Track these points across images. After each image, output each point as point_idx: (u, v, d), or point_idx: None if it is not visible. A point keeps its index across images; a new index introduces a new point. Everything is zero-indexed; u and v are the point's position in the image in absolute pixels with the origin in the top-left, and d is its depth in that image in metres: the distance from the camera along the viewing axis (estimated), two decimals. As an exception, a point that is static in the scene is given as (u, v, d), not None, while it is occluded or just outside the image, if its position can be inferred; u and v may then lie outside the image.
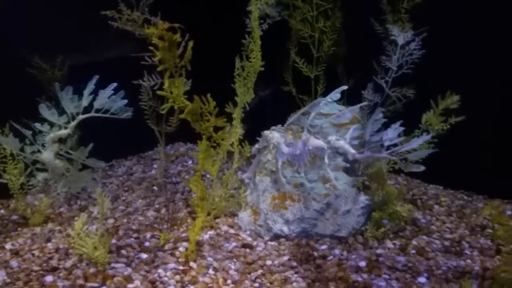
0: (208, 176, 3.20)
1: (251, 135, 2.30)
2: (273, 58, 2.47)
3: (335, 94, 1.88)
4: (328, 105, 1.90)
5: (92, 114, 2.36)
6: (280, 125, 1.89)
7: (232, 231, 2.56)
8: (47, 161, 2.50)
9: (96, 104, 2.34)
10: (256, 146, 1.93)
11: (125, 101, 2.30)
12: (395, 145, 2.00)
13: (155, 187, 3.06)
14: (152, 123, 2.42)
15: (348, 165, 1.91)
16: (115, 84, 2.29)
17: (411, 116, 2.40)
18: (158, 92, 1.98)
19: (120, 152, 3.52)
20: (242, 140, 2.66)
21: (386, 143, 2.05)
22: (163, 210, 2.75)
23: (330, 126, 1.92)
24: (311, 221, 2.45)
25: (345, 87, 1.87)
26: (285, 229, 2.47)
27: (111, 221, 2.61)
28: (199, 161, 2.16)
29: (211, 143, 2.12)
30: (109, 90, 2.30)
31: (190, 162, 3.46)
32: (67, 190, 2.82)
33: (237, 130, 2.55)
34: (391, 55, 2.42)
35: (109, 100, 2.30)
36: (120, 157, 3.53)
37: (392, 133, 2.05)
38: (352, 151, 1.84)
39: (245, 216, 2.61)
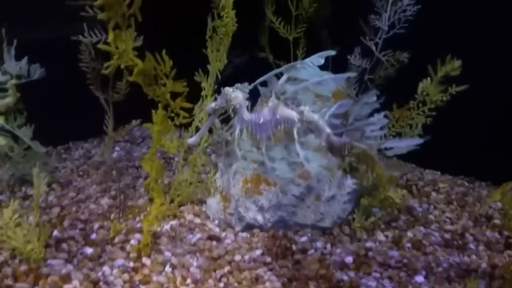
0: (176, 159, 2.83)
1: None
2: (249, 18, 2.10)
3: (318, 58, 1.52)
4: (307, 69, 1.54)
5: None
6: (247, 83, 1.52)
7: (197, 220, 2.20)
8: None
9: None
10: (212, 104, 1.55)
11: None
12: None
13: (114, 172, 2.67)
14: (96, 89, 2.03)
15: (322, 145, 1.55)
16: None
17: (405, 85, 2.05)
18: (100, 46, 1.60)
19: (79, 133, 3.12)
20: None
21: (367, 134, 1.68)
22: (121, 197, 2.38)
23: (306, 95, 1.55)
24: (289, 209, 2.10)
25: (332, 52, 1.51)
26: (259, 218, 2.11)
27: (56, 210, 2.22)
28: (153, 135, 1.78)
29: (169, 113, 1.74)
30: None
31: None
32: (11, 174, 2.44)
33: (208, 103, 2.16)
34: (381, 12, 2.06)
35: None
36: (78, 138, 3.13)
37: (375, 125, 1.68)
38: (327, 130, 1.48)
39: (213, 203, 2.24)
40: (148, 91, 1.68)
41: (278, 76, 1.55)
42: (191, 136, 1.57)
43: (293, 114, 1.51)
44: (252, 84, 1.53)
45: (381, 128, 1.63)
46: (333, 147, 1.57)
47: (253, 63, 2.61)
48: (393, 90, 1.96)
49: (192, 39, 2.18)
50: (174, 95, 1.72)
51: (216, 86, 2.17)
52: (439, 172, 2.70)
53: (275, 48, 2.52)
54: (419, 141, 1.53)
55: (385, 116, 1.64)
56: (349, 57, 2.17)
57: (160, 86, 1.68)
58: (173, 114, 1.74)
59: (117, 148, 3.00)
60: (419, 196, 2.37)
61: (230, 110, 1.53)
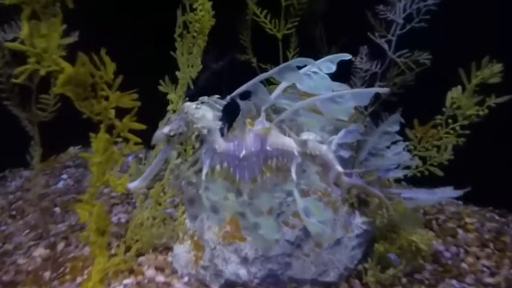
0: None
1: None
2: (228, 11, 1.62)
3: (328, 63, 1.07)
4: (313, 78, 1.07)
5: None
6: (217, 96, 1.02)
7: (161, 278, 1.67)
8: None
9: None
10: (165, 129, 1.03)
11: None
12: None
13: (57, 208, 2.12)
14: (14, 105, 1.48)
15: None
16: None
17: (429, 94, 1.59)
18: (8, 45, 1.07)
19: (19, 159, 2.54)
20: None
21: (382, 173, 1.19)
22: (61, 245, 1.83)
23: (311, 116, 1.06)
24: (282, 259, 1.60)
25: (347, 56, 1.07)
26: (243, 272, 1.61)
27: (-31, 268, 1.67)
28: (92, 170, 1.26)
29: (114, 137, 1.23)
30: None
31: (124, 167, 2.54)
32: None
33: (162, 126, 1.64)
34: (394, 1, 1.59)
35: None
36: (17, 164, 2.55)
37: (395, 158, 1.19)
38: (339, 168, 1.04)
39: (182, 251, 1.72)
40: (82, 107, 1.16)
41: (267, 83, 1.06)
42: (134, 178, 1.05)
43: (291, 144, 1.02)
44: (228, 97, 1.03)
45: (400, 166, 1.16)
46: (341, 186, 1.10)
47: (235, 68, 2.09)
48: (413, 101, 1.49)
49: (156, 38, 1.69)
50: (122, 113, 1.20)
51: (187, 99, 1.65)
52: (461, 202, 2.21)
53: (260, 49, 2.02)
54: (455, 193, 1.10)
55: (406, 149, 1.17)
56: (353, 59, 1.68)
57: (100, 99, 1.17)
58: (120, 139, 1.23)
59: (64, 176, 2.44)
60: (442, 234, 1.89)
61: (193, 138, 1.02)
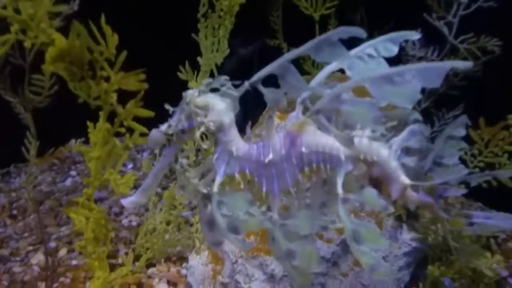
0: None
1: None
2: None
3: (388, 43, 0.83)
4: (368, 62, 0.82)
5: None
6: (225, 77, 0.78)
7: (173, 294, 1.44)
8: None
9: None
10: (163, 127, 0.79)
11: None
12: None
13: (62, 208, 1.92)
14: (5, 88, 1.25)
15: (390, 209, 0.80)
16: None
17: (498, 88, 1.33)
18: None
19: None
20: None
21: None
22: (63, 252, 1.62)
23: (358, 103, 0.78)
24: (315, 279, 1.36)
25: (416, 35, 0.83)
26: (269, 292, 1.37)
27: (-42, 276, 1.47)
28: (90, 167, 1.05)
29: (115, 127, 1.01)
30: None
31: (130, 165, 2.33)
32: None
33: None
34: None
35: None
36: (23, 160, 2.36)
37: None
38: (405, 179, 0.77)
39: (198, 264, 1.49)
40: (76, 89, 0.94)
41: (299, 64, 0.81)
42: (131, 193, 0.82)
43: (335, 145, 0.77)
44: (246, 84, 0.78)
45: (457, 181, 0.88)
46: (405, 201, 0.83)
47: (266, 55, 1.84)
48: (478, 97, 1.24)
49: (175, 18, 1.46)
50: (126, 98, 0.97)
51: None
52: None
53: (291, 33, 1.77)
54: None
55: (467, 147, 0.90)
56: (404, 44, 1.43)
57: (100, 80, 0.94)
58: (123, 130, 1.00)
59: (72, 173, 2.24)
60: (504, 256, 1.60)
61: (197, 136, 0.78)
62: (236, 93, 0.78)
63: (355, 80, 0.77)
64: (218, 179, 0.76)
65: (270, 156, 0.76)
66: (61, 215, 1.88)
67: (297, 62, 0.75)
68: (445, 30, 1.36)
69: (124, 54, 0.93)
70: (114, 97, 0.97)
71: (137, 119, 0.97)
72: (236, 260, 1.41)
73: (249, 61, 1.80)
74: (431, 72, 0.70)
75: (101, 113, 1.00)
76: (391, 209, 0.79)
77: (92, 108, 0.97)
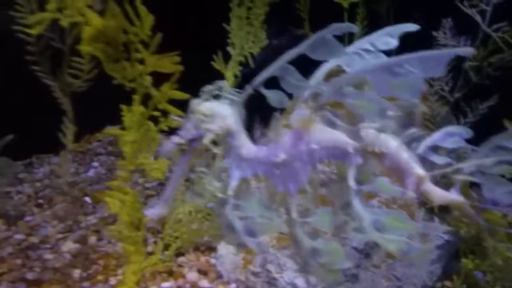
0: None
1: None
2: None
3: (385, 37, 0.83)
4: (365, 58, 0.83)
5: None
6: (224, 82, 0.81)
7: (205, 283, 1.45)
8: None
9: None
10: (173, 138, 0.80)
11: None
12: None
13: (87, 198, 1.92)
14: (45, 71, 1.23)
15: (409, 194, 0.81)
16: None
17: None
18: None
19: (46, 144, 2.36)
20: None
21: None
22: (92, 240, 1.63)
23: (362, 95, 0.77)
24: (348, 271, 1.35)
25: (412, 27, 0.81)
26: (300, 282, 1.36)
27: (-10, 263, 1.48)
28: (124, 150, 1.04)
29: (150, 110, 1.00)
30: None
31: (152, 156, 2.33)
32: None
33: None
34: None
35: None
36: (46, 151, 2.37)
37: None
38: (419, 171, 0.79)
39: (228, 254, 1.49)
40: (112, 71, 0.93)
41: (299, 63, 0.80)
42: (154, 204, 0.82)
43: (343, 139, 0.77)
44: (249, 87, 0.79)
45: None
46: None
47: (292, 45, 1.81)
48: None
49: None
50: (160, 80, 0.97)
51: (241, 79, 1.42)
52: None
53: (317, 22, 1.74)
54: None
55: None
56: (435, 33, 1.41)
57: (134, 62, 0.94)
58: (158, 113, 0.99)
59: (94, 164, 2.24)
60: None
61: (207, 142, 0.78)
62: (239, 97, 0.79)
63: (355, 72, 0.77)
64: (233, 183, 0.78)
65: (281, 156, 0.76)
66: (86, 204, 1.89)
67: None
68: (478, 18, 1.34)
69: (159, 36, 0.92)
70: (148, 79, 0.97)
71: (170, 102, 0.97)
72: (267, 250, 1.41)
73: (281, 52, 1.78)
74: (432, 60, 0.69)
75: (135, 96, 0.99)
76: (411, 194, 0.78)
77: (127, 90, 0.97)
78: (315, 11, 1.73)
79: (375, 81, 0.70)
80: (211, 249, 1.61)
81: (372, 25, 1.62)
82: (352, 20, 1.63)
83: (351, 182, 0.77)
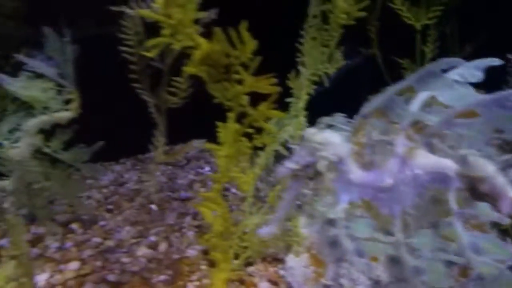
0: (233, 190, 2.15)
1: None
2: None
3: (473, 70, 0.84)
4: (456, 89, 0.84)
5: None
6: (342, 115, 0.86)
7: (276, 293, 1.48)
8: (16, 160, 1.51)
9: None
10: (289, 163, 0.86)
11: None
12: None
13: (153, 205, 2.00)
14: (144, 88, 1.32)
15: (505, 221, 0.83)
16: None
17: None
18: (142, 12, 0.92)
19: (110, 153, 2.46)
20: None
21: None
22: (163, 246, 1.70)
23: (470, 125, 0.80)
24: None
25: (496, 61, 0.82)
26: (374, 297, 1.37)
27: (74, 265, 1.56)
28: (219, 164, 1.10)
29: (244, 128, 1.05)
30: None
31: (207, 168, 2.40)
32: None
33: (300, 119, 1.46)
34: None
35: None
36: (108, 159, 2.47)
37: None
38: None
39: (298, 266, 1.52)
40: (214, 90, 0.99)
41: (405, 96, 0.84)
42: (266, 224, 0.89)
43: (447, 164, 0.79)
44: (358, 118, 0.83)
45: None
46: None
47: (367, 66, 1.83)
48: None
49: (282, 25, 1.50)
50: (255, 100, 1.02)
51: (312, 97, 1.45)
52: None
53: (387, 42, 1.77)
54: None
55: None
56: (510, 56, 1.41)
57: (233, 83, 0.99)
58: (251, 130, 1.04)
59: (156, 174, 2.33)
60: None
61: (321, 168, 0.85)
62: (348, 126, 0.84)
63: (467, 105, 0.80)
64: (342, 206, 0.82)
65: (388, 181, 0.80)
66: (153, 212, 1.96)
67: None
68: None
69: (258, 59, 0.98)
70: (245, 99, 1.03)
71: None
72: (340, 263, 1.43)
73: (355, 72, 1.81)
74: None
75: (230, 114, 1.05)
76: (506, 220, 0.81)
77: (223, 109, 1.03)
78: (385, 32, 1.76)
79: (486, 113, 0.74)
80: (278, 260, 1.64)
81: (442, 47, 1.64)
82: (424, 38, 1.64)
83: (453, 205, 0.79)
